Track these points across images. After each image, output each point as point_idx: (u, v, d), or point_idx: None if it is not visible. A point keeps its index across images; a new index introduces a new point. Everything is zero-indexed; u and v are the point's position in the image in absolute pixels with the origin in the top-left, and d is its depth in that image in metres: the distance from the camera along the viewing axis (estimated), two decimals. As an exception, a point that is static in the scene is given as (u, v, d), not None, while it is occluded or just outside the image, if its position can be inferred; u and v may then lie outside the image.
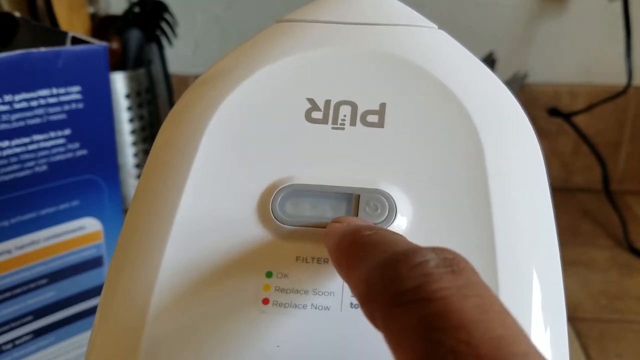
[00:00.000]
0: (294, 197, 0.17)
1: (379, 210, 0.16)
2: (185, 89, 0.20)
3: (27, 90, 0.31)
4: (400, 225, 0.17)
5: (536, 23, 0.82)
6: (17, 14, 0.38)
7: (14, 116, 0.31)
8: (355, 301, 0.16)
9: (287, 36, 0.19)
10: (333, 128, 0.18)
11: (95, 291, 0.38)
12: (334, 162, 0.17)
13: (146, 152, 0.82)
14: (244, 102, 0.18)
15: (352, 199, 0.16)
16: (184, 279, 0.16)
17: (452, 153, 0.17)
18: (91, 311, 0.38)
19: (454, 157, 0.17)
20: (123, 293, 0.17)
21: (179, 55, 0.86)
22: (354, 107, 0.18)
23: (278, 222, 0.17)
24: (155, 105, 0.82)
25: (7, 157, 0.31)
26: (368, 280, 0.13)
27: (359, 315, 0.14)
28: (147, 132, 0.81)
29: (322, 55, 0.19)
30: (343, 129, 0.18)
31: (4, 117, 0.31)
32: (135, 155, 0.80)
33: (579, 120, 0.75)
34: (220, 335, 0.16)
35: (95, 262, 0.37)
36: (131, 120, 0.79)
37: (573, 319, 0.60)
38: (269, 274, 0.16)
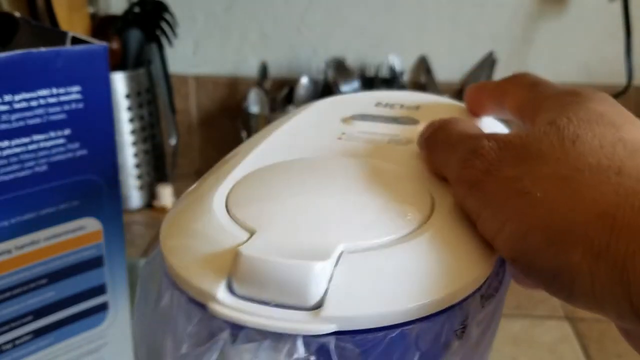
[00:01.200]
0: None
1: None
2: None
3: (27, 90, 0.31)
4: None
5: (536, 23, 0.82)
6: (17, 14, 0.38)
7: (14, 116, 0.31)
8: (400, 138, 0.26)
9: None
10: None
11: (95, 291, 0.38)
12: None
13: (146, 152, 0.82)
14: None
15: None
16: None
17: None
18: (91, 311, 0.38)
19: None
20: None
21: (179, 55, 0.86)
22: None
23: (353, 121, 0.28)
24: (155, 105, 0.82)
25: (7, 157, 0.31)
26: None
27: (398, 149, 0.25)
28: (147, 132, 0.81)
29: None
30: None
31: (4, 117, 0.31)
32: (135, 155, 0.80)
33: (579, 120, 0.75)
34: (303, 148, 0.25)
35: (95, 262, 0.37)
36: (131, 120, 0.79)
37: (573, 319, 0.60)
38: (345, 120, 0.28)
